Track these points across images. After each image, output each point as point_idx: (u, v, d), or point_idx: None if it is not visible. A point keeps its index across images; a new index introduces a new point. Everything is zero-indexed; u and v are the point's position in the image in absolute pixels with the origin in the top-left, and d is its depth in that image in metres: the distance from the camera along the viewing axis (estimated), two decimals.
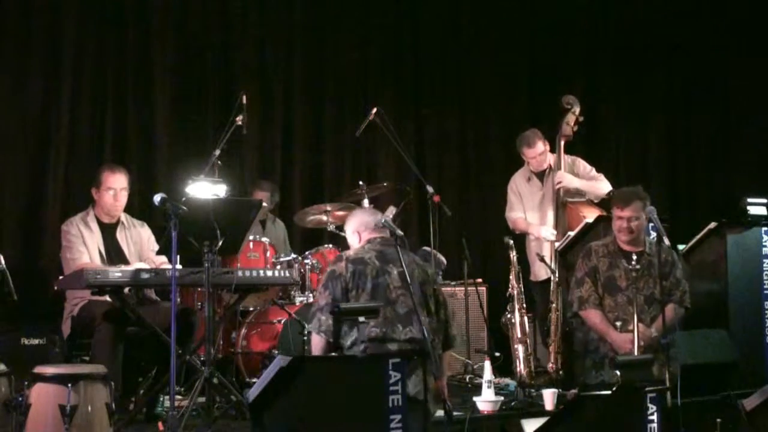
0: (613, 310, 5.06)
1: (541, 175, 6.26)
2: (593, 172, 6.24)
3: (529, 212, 6.26)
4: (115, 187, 5.16)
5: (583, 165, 6.27)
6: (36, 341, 4.85)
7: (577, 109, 6.26)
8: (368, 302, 4.19)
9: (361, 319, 3.97)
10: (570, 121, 6.24)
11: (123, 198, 5.21)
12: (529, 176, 6.30)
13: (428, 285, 4.42)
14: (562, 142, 6.19)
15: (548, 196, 6.18)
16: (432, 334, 4.26)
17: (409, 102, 7.95)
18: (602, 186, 6.15)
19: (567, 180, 6.10)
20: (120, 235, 5.21)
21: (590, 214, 5.88)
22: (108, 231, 5.18)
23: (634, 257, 4.90)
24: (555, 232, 6.01)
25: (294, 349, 5.40)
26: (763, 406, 4.16)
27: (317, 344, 4.32)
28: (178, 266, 4.45)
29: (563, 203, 6.06)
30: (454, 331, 4.48)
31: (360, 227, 4.56)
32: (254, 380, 5.19)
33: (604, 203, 6.02)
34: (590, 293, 5.12)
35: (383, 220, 4.52)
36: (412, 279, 4.29)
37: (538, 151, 6.16)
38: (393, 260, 4.35)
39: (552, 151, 6.25)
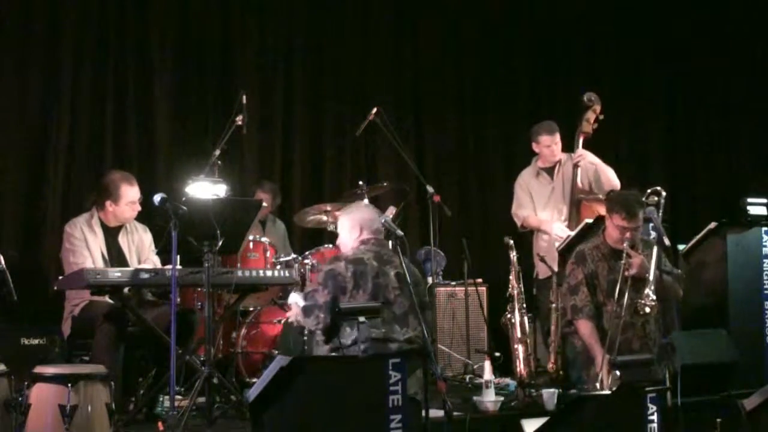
0: (619, 315, 4.95)
1: (550, 171, 6.21)
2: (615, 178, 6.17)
3: (540, 209, 6.18)
4: (136, 199, 5.12)
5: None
6: (36, 341, 4.83)
7: (597, 107, 6.14)
8: (368, 302, 4.22)
9: (362, 319, 3.98)
10: (590, 119, 6.12)
11: (139, 204, 5.20)
12: (537, 172, 6.23)
13: (421, 287, 4.49)
14: (581, 139, 6.11)
15: (558, 191, 6.12)
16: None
17: (409, 102, 7.94)
18: (614, 176, 6.08)
19: (587, 155, 6.06)
20: (122, 239, 5.19)
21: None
22: (110, 234, 5.15)
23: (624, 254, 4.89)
24: (567, 230, 5.94)
25: (294, 349, 5.40)
26: (763, 406, 4.17)
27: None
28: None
29: (578, 200, 5.99)
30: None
31: (364, 222, 4.58)
32: (254, 380, 5.19)
33: None
34: (585, 303, 5.02)
35: (383, 220, 4.52)
36: (409, 280, 4.33)
37: (556, 139, 6.10)
38: (389, 261, 4.39)
39: (569, 149, 6.17)
